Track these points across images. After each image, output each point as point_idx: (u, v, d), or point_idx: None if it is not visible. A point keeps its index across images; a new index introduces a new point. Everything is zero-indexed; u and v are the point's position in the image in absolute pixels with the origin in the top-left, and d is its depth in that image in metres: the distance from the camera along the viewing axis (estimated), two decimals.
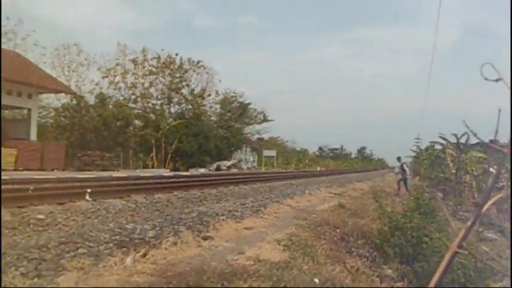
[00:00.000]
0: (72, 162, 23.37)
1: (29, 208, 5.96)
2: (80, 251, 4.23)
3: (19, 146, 20.03)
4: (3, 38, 33.29)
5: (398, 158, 20.99)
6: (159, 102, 38.21)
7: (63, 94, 28.80)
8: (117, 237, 4.73)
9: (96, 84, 35.40)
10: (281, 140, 75.20)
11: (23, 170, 19.34)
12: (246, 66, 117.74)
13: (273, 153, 51.16)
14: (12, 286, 3.36)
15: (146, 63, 36.81)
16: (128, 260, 4.25)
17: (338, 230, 7.72)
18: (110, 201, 7.22)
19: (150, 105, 37.78)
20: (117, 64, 36.19)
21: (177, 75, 37.64)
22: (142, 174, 18.86)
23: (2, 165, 18.82)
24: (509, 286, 4.75)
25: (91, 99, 32.79)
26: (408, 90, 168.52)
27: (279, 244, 5.76)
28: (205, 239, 5.49)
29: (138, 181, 13.12)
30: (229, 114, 46.52)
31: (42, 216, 5.68)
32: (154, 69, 37.05)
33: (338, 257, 6.04)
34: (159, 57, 36.85)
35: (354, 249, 6.88)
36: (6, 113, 27.28)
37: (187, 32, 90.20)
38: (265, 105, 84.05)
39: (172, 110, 39.01)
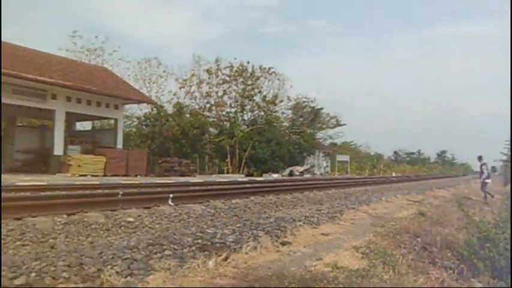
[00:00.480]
0: (153, 168, 24.80)
1: (120, 211, 6.45)
2: (166, 252, 4.47)
3: (107, 154, 21.66)
4: (92, 54, 36.54)
5: (479, 158, 18.84)
6: (232, 110, 39.33)
7: (145, 104, 30.81)
8: (199, 240, 4.94)
9: (174, 94, 37.47)
10: (354, 145, 73.48)
11: (111, 175, 20.92)
12: (316, 71, 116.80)
13: (346, 158, 49.94)
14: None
15: (220, 73, 38.13)
16: (210, 263, 4.42)
17: (419, 239, 7.37)
18: (190, 206, 7.57)
19: (224, 113, 39.00)
20: (193, 75, 37.95)
21: (249, 82, 38.47)
22: (218, 180, 19.49)
23: (94, 171, 20.56)
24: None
25: (169, 109, 34.69)
26: (494, 89, 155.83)
27: (357, 251, 5.65)
28: (283, 244, 5.55)
29: (215, 186, 13.57)
30: (301, 119, 46.46)
31: (131, 219, 6.13)
32: (227, 78, 38.25)
33: (421, 268, 5.77)
34: (231, 66, 37.98)
35: (438, 260, 6.52)
36: (95, 123, 29.79)
37: (256, 40, 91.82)
38: (337, 110, 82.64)
39: (245, 117, 39.96)
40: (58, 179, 16.76)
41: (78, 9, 67.57)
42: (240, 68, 38.16)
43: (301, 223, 6.86)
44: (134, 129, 33.29)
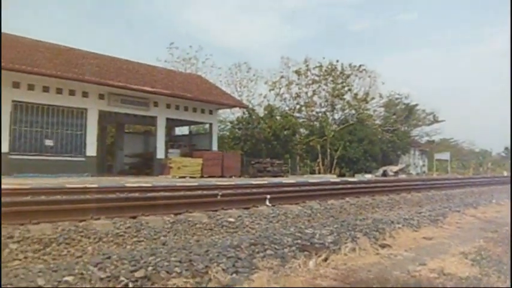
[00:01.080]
0: (247, 169, 25.55)
1: (221, 211, 6.76)
2: (268, 252, 4.57)
3: (204, 156, 22.81)
4: (187, 63, 38.81)
5: None
6: (322, 109, 38.92)
7: (237, 108, 31.88)
8: (299, 241, 4.98)
9: (264, 97, 38.18)
10: (455, 142, 67.94)
11: (208, 176, 21.98)
12: (409, 66, 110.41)
13: (446, 156, 46.08)
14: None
15: (309, 73, 37.99)
16: (311, 264, 4.43)
17: None
18: (286, 207, 7.66)
19: (314, 113, 38.77)
20: (282, 77, 38.33)
21: (339, 81, 37.76)
22: (310, 180, 19.44)
23: (192, 172, 21.77)
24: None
25: (260, 111, 35.45)
26: None
27: (465, 258, 5.22)
28: (382, 246, 5.35)
29: (308, 187, 13.56)
30: (394, 117, 44.34)
31: (232, 219, 6.38)
32: (316, 77, 37.96)
33: None
34: (320, 66, 37.62)
35: None
36: (192, 127, 31.55)
37: (344, 38, 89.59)
38: (434, 106, 77.24)
39: (336, 116, 39.29)
40: (161, 180, 18.08)
41: (174, 22, 72.25)
42: (329, 67, 37.62)
43: (400, 225, 6.55)
44: (227, 133, 34.58)
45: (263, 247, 4.66)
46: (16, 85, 18.12)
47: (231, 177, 22.79)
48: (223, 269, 4.10)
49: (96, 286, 3.48)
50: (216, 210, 6.73)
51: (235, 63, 39.56)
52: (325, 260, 4.63)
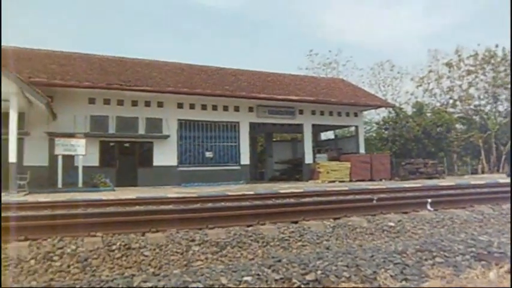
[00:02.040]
0: (397, 171, 24.29)
1: (379, 216, 6.62)
2: (437, 259, 4.32)
3: (352, 159, 22.50)
4: (328, 68, 38.94)
5: None
6: (482, 102, 34.78)
7: (382, 108, 30.68)
8: (473, 249, 4.58)
9: (411, 94, 35.99)
10: None
11: (356, 180, 21.59)
12: None
13: None
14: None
15: (462, 64, 34.42)
16: (492, 275, 4.03)
17: None
18: (451, 211, 7.08)
19: (471, 106, 34.90)
20: (430, 71, 35.56)
21: (502, 68, 33.23)
22: (473, 182, 17.48)
23: (341, 177, 21.68)
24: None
25: (408, 109, 33.45)
26: None
27: None
28: None
29: (473, 190, 12.27)
30: None
31: (392, 224, 6.21)
32: (471, 68, 34.13)
33: None
34: (476, 54, 33.73)
35: None
36: (336, 131, 31.44)
37: (497, 20, 78.30)
38: None
39: (500, 108, 34.63)
40: (311, 185, 18.44)
41: (311, 29, 73.33)
42: (487, 54, 33.45)
43: None
44: (374, 134, 33.51)
45: (431, 254, 4.42)
46: (180, 106, 20.69)
47: (380, 180, 21.97)
48: (391, 276, 4.03)
49: (273, 286, 3.79)
50: (375, 215, 6.61)
51: (377, 63, 38.47)
52: (509, 272, 4.17)
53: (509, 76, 32.73)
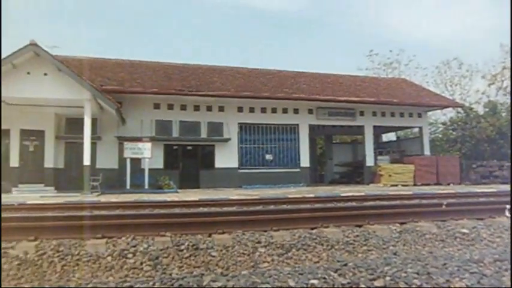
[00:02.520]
0: (467, 174, 22.88)
1: (450, 222, 6.29)
2: None
3: (415, 161, 21.55)
4: (389, 68, 37.70)
5: None
6: None
7: (449, 108, 29.13)
8: None
9: (483, 93, 33.82)
10: None
11: (421, 184, 20.62)
12: None
13: None
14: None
15: None
16: None
17: None
18: None
19: None
20: (504, 67, 33.16)
21: None
22: None
23: (404, 180, 20.86)
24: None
25: (479, 109, 31.49)
26: None
27: None
28: None
29: None
30: None
31: (465, 231, 5.87)
32: None
33: None
34: None
35: None
36: (398, 132, 30.33)
37: None
38: None
39: None
40: (372, 189, 17.92)
41: (372, 29, 71.43)
42: None
43: None
44: (440, 135, 31.88)
45: None
46: (240, 109, 21.05)
47: (448, 184, 20.82)
48: (467, 285, 3.82)
49: None
50: (445, 221, 6.29)
51: (442, 61, 36.44)
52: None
53: None
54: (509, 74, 32.82)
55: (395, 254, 4.99)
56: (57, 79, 14.93)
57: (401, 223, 6.19)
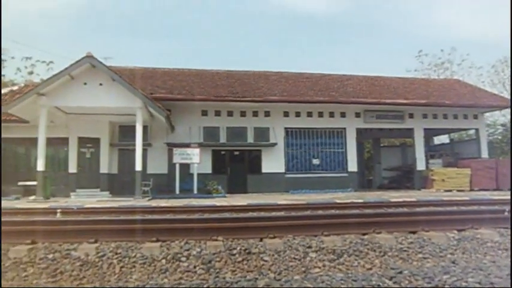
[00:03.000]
0: None
1: None
2: None
3: (472, 165, 20.48)
4: (440, 69, 36.24)
5: None
6: None
7: (508, 109, 27.49)
8: None
9: None
10: None
11: (478, 190, 19.55)
12: None
13: None
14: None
15: None
16: None
17: None
18: None
19: None
20: None
21: None
22: None
23: (459, 185, 19.90)
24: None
25: None
26: None
27: None
28: None
29: None
30: None
31: None
32: None
33: None
34: None
35: None
36: (452, 135, 29.00)
37: None
38: None
39: None
40: (424, 194, 17.25)
41: (420, 29, 69.12)
42: None
43: None
44: (499, 137, 30.16)
45: None
46: (286, 114, 21.05)
47: (509, 189, 19.57)
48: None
49: None
50: (508, 228, 5.94)
51: (499, 59, 34.42)
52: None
53: None
54: None
55: (453, 262, 4.77)
56: (111, 88, 15.66)
57: (459, 230, 5.92)
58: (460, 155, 23.79)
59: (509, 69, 33.31)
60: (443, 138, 29.68)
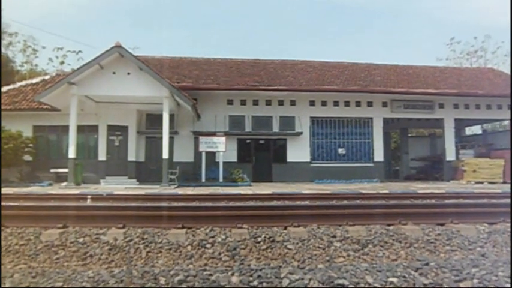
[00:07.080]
0: None
1: None
2: None
3: (506, 156, 19.82)
4: (473, 57, 34.96)
5: None
6: None
7: None
8: None
9: None
10: None
11: None
12: None
13: None
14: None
15: None
16: None
17: None
18: None
19: None
20: None
21: None
22: None
23: (491, 177, 19.30)
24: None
25: None
26: None
27: None
28: None
29: None
30: None
31: None
32: None
33: None
34: None
35: None
36: (485, 125, 28.07)
37: None
38: None
39: None
40: (453, 186, 16.82)
41: (452, 15, 66.79)
42: None
43: None
44: None
45: None
46: (312, 103, 20.85)
47: None
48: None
49: None
50: None
51: None
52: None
53: None
54: None
55: (483, 255, 4.65)
56: (139, 78, 15.89)
57: (491, 223, 5.76)
58: (494, 146, 23.03)
59: None
60: (476, 129, 28.79)
